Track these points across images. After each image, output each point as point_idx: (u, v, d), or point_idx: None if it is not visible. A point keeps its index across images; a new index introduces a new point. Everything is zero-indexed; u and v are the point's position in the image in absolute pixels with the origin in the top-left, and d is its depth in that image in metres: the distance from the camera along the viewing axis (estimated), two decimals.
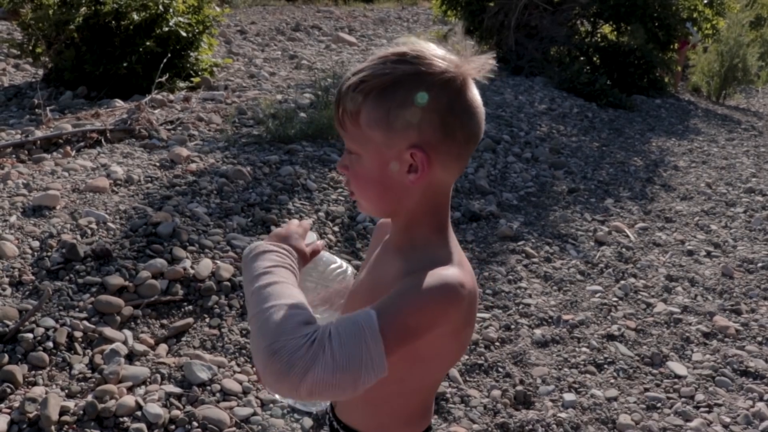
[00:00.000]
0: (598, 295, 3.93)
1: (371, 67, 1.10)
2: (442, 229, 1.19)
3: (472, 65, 1.11)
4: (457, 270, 1.10)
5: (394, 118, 1.09)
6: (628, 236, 4.80)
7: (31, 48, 6.67)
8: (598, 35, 10.27)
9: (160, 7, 6.32)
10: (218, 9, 7.45)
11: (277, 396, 1.37)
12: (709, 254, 4.66)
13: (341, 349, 0.96)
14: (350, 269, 1.33)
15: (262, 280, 1.07)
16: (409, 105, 1.08)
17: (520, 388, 3.02)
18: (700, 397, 3.08)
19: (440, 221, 1.19)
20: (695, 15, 9.86)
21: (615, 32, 10.08)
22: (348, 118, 1.12)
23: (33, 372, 2.65)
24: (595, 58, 9.73)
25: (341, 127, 1.15)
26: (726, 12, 10.30)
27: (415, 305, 1.03)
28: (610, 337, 3.49)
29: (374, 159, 1.13)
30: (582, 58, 9.64)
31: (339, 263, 1.37)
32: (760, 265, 4.49)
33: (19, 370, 2.61)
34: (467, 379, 3.09)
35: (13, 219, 3.45)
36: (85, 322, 2.88)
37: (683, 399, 3.07)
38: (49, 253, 3.22)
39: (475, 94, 1.13)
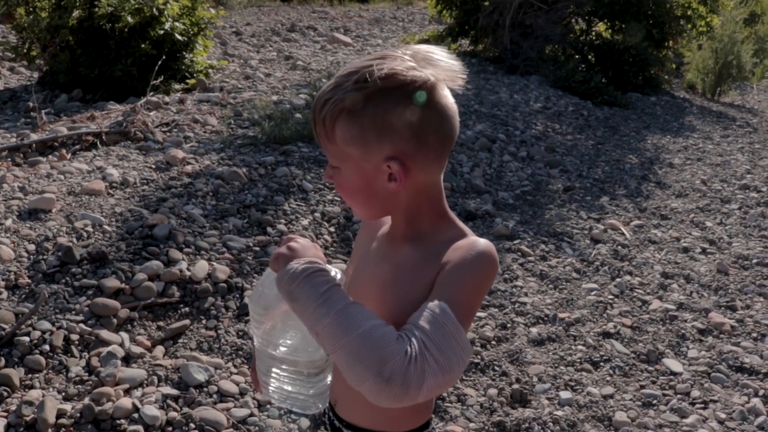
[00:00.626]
0: (593, 293, 3.94)
1: (340, 87, 1.14)
2: (443, 214, 1.25)
3: (442, 72, 1.14)
4: (480, 239, 1.19)
5: (368, 134, 1.13)
6: (623, 234, 4.81)
7: (25, 51, 6.65)
8: (593, 33, 10.28)
9: (155, 10, 6.32)
10: (213, 11, 7.45)
11: (273, 400, 1.37)
12: (704, 251, 4.67)
13: (440, 353, 1.03)
14: (340, 274, 1.33)
15: (330, 305, 1.08)
16: (379, 121, 1.12)
17: (516, 386, 3.03)
18: (695, 393, 3.09)
19: (439, 209, 1.25)
20: (689, 12, 9.87)
21: (610, 30, 10.09)
22: (324, 136, 1.17)
23: (30, 375, 2.66)
24: (590, 57, 9.74)
25: (320, 141, 1.20)
26: (720, 9, 10.32)
27: (476, 286, 1.14)
28: (606, 335, 3.51)
29: (354, 172, 1.18)
30: (577, 57, 9.64)
31: (333, 270, 1.36)
32: (755, 261, 4.50)
33: (16, 374, 2.62)
34: (463, 377, 3.09)
35: (8, 222, 3.45)
36: (82, 325, 2.88)
37: (679, 396, 3.08)
38: (45, 257, 3.22)
39: (445, 96, 1.16)
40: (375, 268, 1.30)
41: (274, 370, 1.33)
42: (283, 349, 1.30)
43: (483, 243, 1.17)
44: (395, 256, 1.26)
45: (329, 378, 1.35)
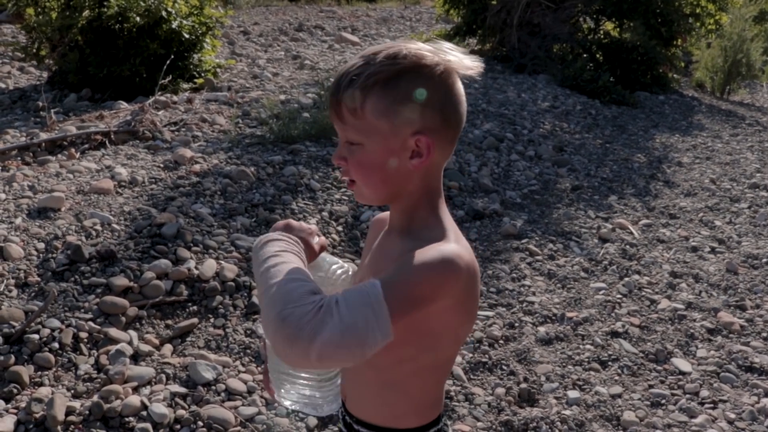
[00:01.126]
0: (602, 292, 3.93)
1: (370, 62, 1.16)
2: (436, 210, 1.26)
3: (461, 62, 1.19)
4: (454, 245, 1.17)
5: (400, 108, 1.16)
6: (631, 233, 4.80)
7: (35, 51, 6.68)
8: (601, 32, 10.24)
9: (163, 10, 6.34)
10: (221, 10, 7.46)
11: (285, 402, 1.37)
12: (713, 250, 4.65)
13: (348, 312, 1.00)
14: (351, 269, 1.34)
15: (269, 262, 1.12)
16: (411, 96, 1.16)
17: (524, 385, 3.03)
18: (704, 393, 3.08)
19: (435, 203, 1.26)
20: (698, 10, 9.83)
21: (618, 29, 10.05)
22: (348, 111, 1.17)
23: (39, 372, 2.67)
24: (598, 55, 9.71)
25: (339, 120, 1.20)
26: (729, 7, 10.27)
27: (416, 276, 1.09)
28: (614, 334, 3.49)
29: (379, 147, 1.19)
30: (585, 55, 9.62)
31: (341, 263, 1.38)
32: (764, 260, 4.48)
33: (26, 371, 2.63)
34: (471, 377, 3.09)
35: (18, 221, 3.47)
36: (91, 323, 2.90)
37: (688, 395, 3.07)
38: (54, 255, 3.24)
39: (461, 86, 1.23)
40: (371, 257, 1.35)
41: (286, 373, 1.33)
42: None
43: (450, 248, 1.14)
44: (387, 246, 1.30)
45: (339, 380, 1.36)
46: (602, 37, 10.14)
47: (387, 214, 1.41)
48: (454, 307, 1.17)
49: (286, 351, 1.01)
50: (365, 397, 1.32)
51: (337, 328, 0.99)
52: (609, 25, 10.19)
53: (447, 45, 1.20)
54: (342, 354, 1.00)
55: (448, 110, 1.20)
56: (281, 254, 1.15)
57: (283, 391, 1.35)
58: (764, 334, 3.61)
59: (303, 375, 1.32)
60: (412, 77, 1.16)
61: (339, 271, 1.35)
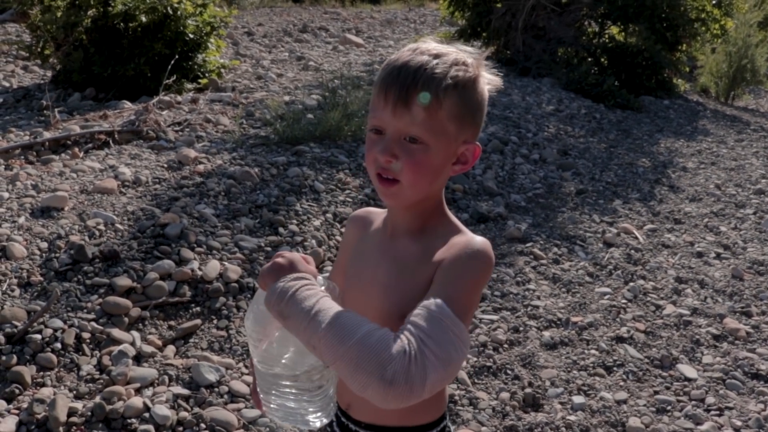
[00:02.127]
0: (606, 297, 3.91)
1: (443, 63, 1.16)
2: (444, 211, 1.30)
3: (489, 77, 1.24)
4: (477, 236, 1.23)
5: (466, 114, 1.19)
6: (636, 238, 4.77)
7: (39, 50, 6.68)
8: (606, 36, 10.23)
9: (169, 9, 6.33)
10: (225, 10, 7.45)
11: (275, 417, 1.33)
12: (718, 256, 4.63)
13: (438, 347, 1.03)
14: (322, 279, 1.29)
15: (322, 317, 1.06)
16: (476, 104, 1.20)
17: (528, 390, 3.00)
18: (710, 400, 3.05)
19: (442, 205, 1.30)
20: (703, 15, 9.81)
21: (623, 33, 10.03)
22: (424, 107, 1.15)
23: (41, 373, 2.65)
24: (602, 59, 9.70)
25: (408, 113, 1.15)
26: (734, 12, 10.25)
27: (472, 283, 1.15)
28: (619, 340, 3.47)
29: (443, 150, 1.19)
30: (589, 59, 9.60)
31: (328, 283, 1.32)
32: None
33: (28, 371, 2.62)
34: (476, 381, 3.07)
35: (21, 220, 3.46)
36: (93, 324, 2.88)
37: (693, 402, 3.04)
38: (57, 255, 3.22)
39: None
40: (376, 268, 1.30)
41: (275, 388, 1.30)
42: (282, 363, 1.27)
43: (479, 241, 1.21)
44: (395, 252, 1.27)
45: (332, 390, 1.33)
46: (607, 41, 10.12)
47: (367, 212, 1.41)
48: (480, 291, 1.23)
49: (400, 406, 1.02)
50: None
51: (439, 367, 1.02)
52: (614, 29, 10.17)
53: (473, 52, 1.22)
54: (449, 380, 1.08)
55: (483, 120, 1.25)
56: (322, 303, 1.09)
57: (273, 406, 1.32)
58: None
59: (292, 391, 1.29)
60: (476, 86, 1.20)
61: (331, 287, 1.30)
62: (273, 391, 1.30)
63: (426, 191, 1.22)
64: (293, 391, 1.28)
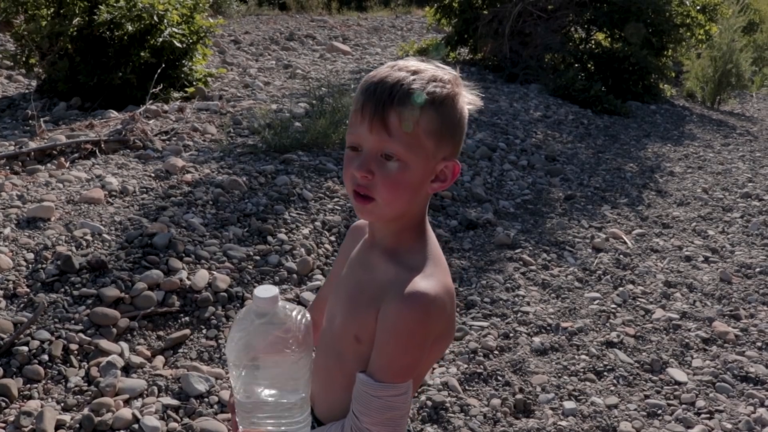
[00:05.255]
0: (596, 302, 3.91)
1: (419, 79, 1.16)
2: (423, 232, 1.27)
3: (469, 97, 1.24)
4: (431, 282, 1.18)
5: (444, 131, 1.18)
6: (625, 243, 4.79)
7: (24, 59, 6.64)
8: (593, 42, 10.29)
9: (155, 17, 6.31)
10: (212, 20, 7.44)
11: None
12: (706, 260, 4.65)
13: (374, 419, 1.16)
14: (308, 315, 1.28)
15: None
16: (454, 120, 1.19)
17: (519, 396, 3.00)
18: (700, 403, 3.06)
19: (423, 225, 1.27)
20: (688, 21, 9.89)
21: (609, 39, 10.10)
22: (401, 123, 1.14)
23: (28, 385, 2.62)
24: (589, 65, 9.75)
25: (384, 131, 1.15)
26: (718, 18, 10.33)
27: (402, 344, 1.16)
28: (610, 344, 3.48)
29: (420, 167, 1.18)
30: (576, 65, 9.65)
31: (298, 308, 1.29)
32: (758, 270, 4.48)
33: (14, 384, 2.59)
34: (466, 388, 3.06)
35: (7, 231, 3.42)
36: (81, 335, 2.85)
37: (684, 406, 3.05)
38: (44, 265, 3.19)
39: None
40: (351, 275, 1.33)
41: (255, 418, 1.29)
42: (267, 393, 1.26)
43: (417, 295, 1.15)
44: (369, 268, 1.27)
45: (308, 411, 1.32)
46: (594, 46, 10.18)
47: (365, 222, 1.39)
48: (440, 337, 1.22)
49: None
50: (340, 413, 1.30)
51: (385, 429, 1.17)
52: (600, 35, 10.23)
53: (451, 71, 1.23)
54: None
55: (463, 139, 1.25)
56: None
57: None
58: (759, 344, 3.60)
59: (272, 415, 1.28)
60: (455, 103, 1.19)
61: (298, 317, 1.28)
62: (253, 420, 1.28)
63: (403, 209, 1.21)
64: (274, 416, 1.27)
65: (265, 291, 1.22)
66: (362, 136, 1.17)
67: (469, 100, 1.23)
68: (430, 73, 1.18)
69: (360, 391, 1.17)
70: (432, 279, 1.19)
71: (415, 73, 1.17)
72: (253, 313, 1.23)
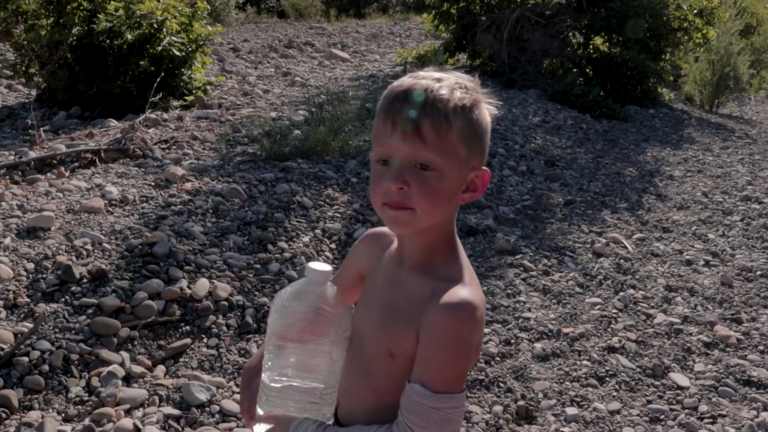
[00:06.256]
0: (597, 307, 3.91)
1: (446, 86, 1.15)
2: (454, 245, 1.25)
3: (489, 102, 1.24)
4: (473, 290, 1.18)
5: (475, 138, 1.17)
6: (626, 247, 4.79)
7: (23, 68, 6.66)
8: (591, 47, 10.31)
9: (154, 26, 6.32)
10: (210, 28, 7.45)
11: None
12: (707, 263, 4.64)
13: (430, 429, 1.13)
14: (330, 267, 1.28)
15: None
16: (484, 127, 1.19)
17: (521, 403, 2.99)
18: (703, 408, 3.05)
19: (454, 238, 1.25)
20: (686, 25, 9.91)
21: (607, 44, 10.12)
22: (435, 130, 1.13)
23: (29, 396, 2.62)
24: (587, 70, 9.76)
25: (419, 138, 1.13)
26: (716, 21, 10.35)
27: (453, 355, 1.14)
28: (611, 350, 3.47)
29: (455, 175, 1.17)
30: (575, 70, 9.66)
31: (332, 288, 1.30)
32: (758, 273, 4.48)
33: (15, 395, 2.58)
34: (468, 395, 3.06)
35: (7, 241, 3.42)
36: (82, 345, 2.85)
37: (687, 410, 3.04)
38: (44, 275, 3.19)
39: None
40: (379, 295, 1.29)
41: (282, 402, 1.29)
42: (305, 376, 1.27)
43: (462, 304, 1.15)
44: (402, 285, 1.24)
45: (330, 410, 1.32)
46: (592, 51, 10.19)
47: (384, 233, 1.37)
48: (478, 346, 1.22)
49: None
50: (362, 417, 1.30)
51: None
52: (598, 40, 10.25)
53: (470, 78, 1.22)
54: None
55: (488, 146, 1.24)
56: None
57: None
58: (761, 347, 3.60)
59: (292, 407, 1.29)
60: (481, 109, 1.19)
61: (340, 306, 1.29)
62: (278, 402, 1.28)
63: (439, 219, 1.19)
64: (296, 407, 1.27)
65: (320, 265, 1.23)
66: (394, 147, 1.14)
67: (488, 104, 1.22)
68: (453, 80, 1.17)
69: (416, 403, 1.13)
70: (473, 288, 1.19)
71: (439, 80, 1.16)
72: (301, 287, 1.25)
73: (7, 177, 4.42)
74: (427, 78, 1.16)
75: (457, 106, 1.14)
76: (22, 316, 2.96)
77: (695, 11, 9.94)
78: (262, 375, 1.29)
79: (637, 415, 2.99)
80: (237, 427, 2.63)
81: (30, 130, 5.57)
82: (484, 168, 1.21)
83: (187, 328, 3.13)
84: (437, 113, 1.12)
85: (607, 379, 3.24)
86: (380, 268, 1.32)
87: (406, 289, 1.22)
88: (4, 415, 2.50)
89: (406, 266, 1.25)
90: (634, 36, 9.24)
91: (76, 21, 6.32)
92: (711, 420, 2.98)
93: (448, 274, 1.19)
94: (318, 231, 4.11)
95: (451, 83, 1.16)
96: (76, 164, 4.69)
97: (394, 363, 1.20)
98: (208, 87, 7.31)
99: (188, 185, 4.34)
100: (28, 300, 3.05)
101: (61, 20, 6.37)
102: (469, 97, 1.16)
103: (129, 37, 6.14)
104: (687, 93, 11.43)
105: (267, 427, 1.29)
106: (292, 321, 1.23)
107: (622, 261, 4.53)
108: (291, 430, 1.23)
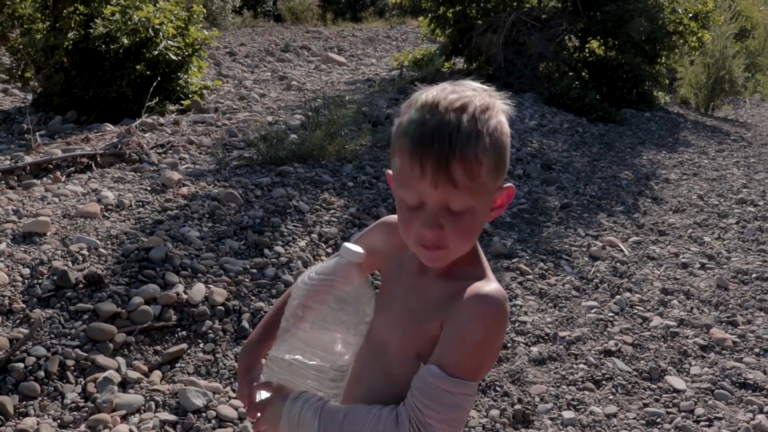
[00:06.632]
0: (593, 310, 3.91)
1: (477, 116, 1.10)
2: (477, 251, 1.26)
3: (506, 108, 1.21)
4: (498, 286, 1.18)
5: (501, 161, 1.15)
6: (622, 250, 4.79)
7: (19, 73, 6.65)
8: (586, 50, 10.33)
9: (150, 30, 6.32)
10: (207, 32, 7.46)
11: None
12: (703, 266, 4.65)
13: (439, 414, 1.11)
14: (361, 249, 1.28)
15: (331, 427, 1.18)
16: (507, 145, 1.16)
17: (518, 406, 2.99)
18: (699, 411, 3.06)
19: (476, 246, 1.25)
20: (681, 28, 9.94)
21: (603, 47, 10.14)
22: (467, 173, 1.09)
23: (24, 402, 2.61)
24: (583, 73, 9.78)
25: (451, 185, 1.10)
26: (711, 25, 10.39)
27: (475, 344, 1.13)
28: (608, 353, 3.47)
29: (486, 206, 1.16)
30: (571, 74, 9.68)
31: (359, 253, 1.29)
32: (754, 275, 4.49)
33: (10, 401, 2.57)
34: None
35: (2, 246, 3.42)
36: (78, 350, 2.84)
37: (683, 413, 3.04)
38: (39, 281, 3.18)
39: None
40: (405, 299, 1.28)
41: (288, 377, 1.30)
42: (317, 352, 1.27)
43: (492, 296, 1.15)
44: (425, 289, 1.24)
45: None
46: (588, 55, 10.22)
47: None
48: (500, 345, 1.23)
49: None
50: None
51: (446, 426, 1.13)
52: (594, 44, 10.27)
53: (485, 88, 1.19)
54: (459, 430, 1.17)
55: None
56: (324, 413, 1.20)
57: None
58: (756, 350, 3.60)
59: (309, 382, 1.29)
60: (503, 127, 1.16)
61: (366, 288, 1.29)
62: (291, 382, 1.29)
63: (471, 247, 1.21)
64: (312, 383, 1.27)
65: (354, 246, 1.25)
66: (425, 193, 1.12)
67: (505, 110, 1.19)
68: (476, 103, 1.11)
69: (430, 385, 1.12)
70: (496, 284, 1.19)
71: (462, 110, 1.10)
72: (331, 264, 1.26)
73: (3, 182, 4.41)
74: (449, 110, 1.10)
75: (486, 137, 1.10)
76: (18, 321, 2.95)
77: (690, 15, 9.98)
78: (272, 348, 1.31)
79: (634, 418, 2.99)
80: None
81: (26, 135, 5.56)
82: (509, 185, 1.20)
83: (184, 333, 3.13)
84: (468, 155, 1.08)
85: (604, 382, 3.24)
86: (400, 271, 1.31)
87: (429, 293, 1.22)
88: None
89: (428, 275, 1.25)
90: (638, 36, 9.26)
91: (72, 25, 6.32)
92: (707, 423, 2.99)
93: (473, 274, 1.20)
94: (314, 235, 4.11)
95: (475, 110, 1.11)
96: (72, 169, 4.68)
97: (421, 363, 1.19)
98: (205, 91, 7.31)
99: (184, 190, 4.34)
100: (24, 306, 3.04)
101: (57, 24, 6.36)
102: (494, 122, 1.13)
103: (125, 41, 6.14)
104: (682, 96, 11.46)
105: (267, 395, 1.30)
106: (312, 290, 1.25)
107: (618, 264, 4.53)
108: (289, 401, 1.23)
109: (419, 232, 1.14)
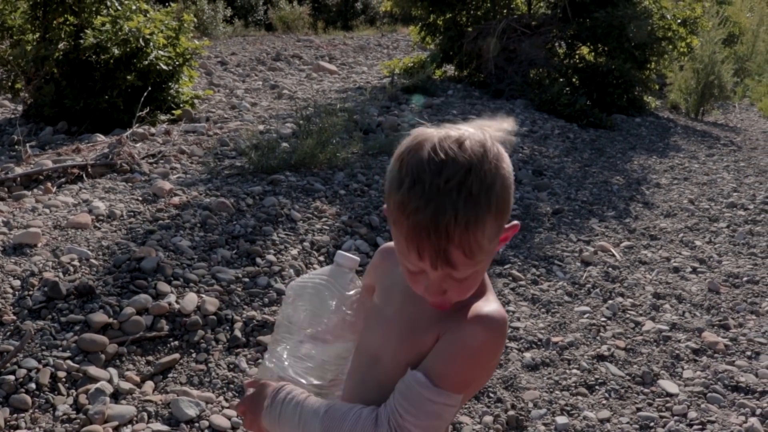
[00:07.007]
0: (586, 315, 3.92)
1: (475, 187, 1.03)
2: None
3: (506, 141, 1.16)
4: (498, 306, 1.18)
5: (504, 212, 1.09)
6: (613, 255, 4.81)
7: (10, 84, 6.64)
8: (577, 57, 10.38)
9: (141, 41, 6.32)
10: (198, 41, 7.46)
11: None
12: (695, 270, 4.67)
13: (419, 420, 1.12)
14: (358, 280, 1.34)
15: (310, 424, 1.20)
16: (509, 192, 1.09)
17: (512, 412, 2.99)
18: (692, 414, 3.06)
19: None
20: (669, 34, 10.01)
21: (593, 53, 10.20)
22: (467, 255, 1.06)
23: (15, 415, 2.59)
24: (574, 79, 9.83)
25: (448, 266, 1.07)
26: (699, 31, 10.47)
27: (468, 361, 1.15)
28: (600, 358, 3.48)
29: (489, 259, 1.14)
30: (561, 80, 9.72)
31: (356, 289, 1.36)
32: (745, 279, 4.51)
33: (1, 414, 2.56)
34: None
35: None
36: (69, 362, 2.83)
37: (676, 417, 3.05)
38: (30, 292, 3.17)
39: None
40: (397, 313, 1.26)
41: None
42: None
43: (492, 317, 1.15)
44: (423, 301, 1.20)
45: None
46: (578, 61, 10.27)
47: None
48: (495, 364, 1.24)
49: None
50: None
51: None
52: (584, 50, 10.33)
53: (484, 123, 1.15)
54: None
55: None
56: (305, 408, 1.23)
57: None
58: (748, 353, 3.62)
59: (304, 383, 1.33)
60: (506, 169, 1.09)
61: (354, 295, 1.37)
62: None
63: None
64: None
65: (349, 254, 1.31)
66: (426, 270, 1.10)
67: (507, 145, 1.13)
68: (474, 161, 1.04)
69: (414, 391, 1.13)
70: (497, 304, 1.19)
71: (460, 187, 1.02)
72: (329, 279, 1.33)
73: None
74: (441, 176, 1.03)
75: (486, 215, 1.04)
76: (8, 333, 2.94)
77: (679, 21, 10.05)
78: (265, 356, 1.36)
79: (627, 422, 2.99)
80: None
81: (16, 146, 5.55)
82: (513, 223, 1.15)
83: (176, 343, 3.12)
84: (467, 241, 1.05)
85: (597, 387, 3.25)
86: (394, 284, 1.29)
87: (427, 306, 1.19)
88: None
89: None
90: (640, 39, 9.31)
91: (63, 36, 6.32)
92: (700, 426, 2.99)
93: (475, 291, 1.18)
94: (306, 244, 4.11)
95: (474, 179, 1.03)
96: (62, 180, 4.67)
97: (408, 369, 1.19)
98: (196, 101, 7.31)
99: (176, 199, 4.33)
100: (15, 317, 3.03)
101: (47, 35, 6.36)
102: (497, 176, 1.06)
103: (116, 51, 6.14)
104: (672, 101, 11.53)
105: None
106: (319, 322, 1.31)
107: (610, 269, 4.55)
108: (269, 394, 1.25)
109: (422, 291, 1.14)
